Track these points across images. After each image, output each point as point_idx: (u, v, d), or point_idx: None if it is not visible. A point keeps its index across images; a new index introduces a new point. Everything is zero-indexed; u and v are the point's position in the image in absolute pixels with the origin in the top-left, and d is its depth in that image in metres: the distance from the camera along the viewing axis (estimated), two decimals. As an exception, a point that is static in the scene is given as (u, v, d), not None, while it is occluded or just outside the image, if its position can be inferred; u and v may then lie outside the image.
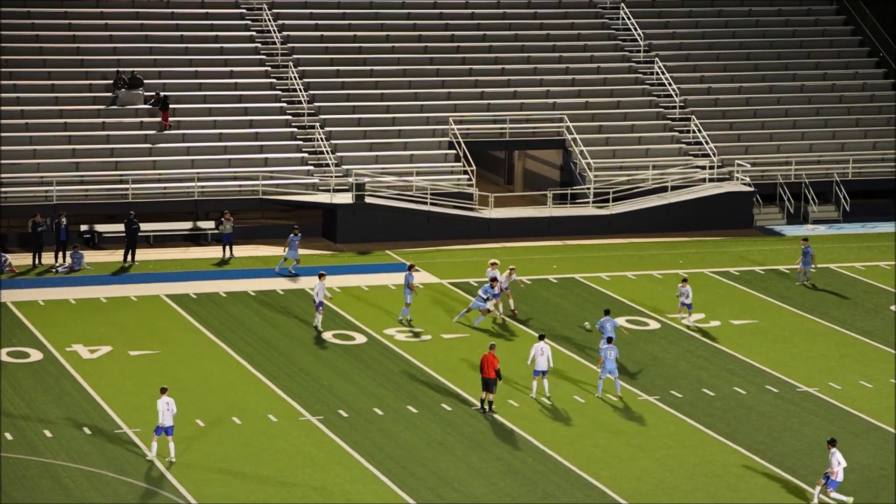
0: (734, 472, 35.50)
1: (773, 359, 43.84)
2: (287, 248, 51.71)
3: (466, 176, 59.89)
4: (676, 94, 65.05)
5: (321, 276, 45.49)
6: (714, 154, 62.26)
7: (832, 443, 33.67)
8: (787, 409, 39.75)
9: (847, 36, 70.31)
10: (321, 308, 45.32)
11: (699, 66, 67.28)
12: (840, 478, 33.31)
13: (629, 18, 68.16)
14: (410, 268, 46.52)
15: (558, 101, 63.86)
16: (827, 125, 65.34)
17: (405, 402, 39.76)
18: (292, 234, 51.80)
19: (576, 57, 66.51)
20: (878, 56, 69.04)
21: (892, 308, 49.12)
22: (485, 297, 46.03)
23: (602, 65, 66.31)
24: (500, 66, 65.18)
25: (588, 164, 60.93)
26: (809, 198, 61.80)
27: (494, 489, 34.22)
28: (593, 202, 60.21)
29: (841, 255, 56.26)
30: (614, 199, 60.04)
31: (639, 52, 67.18)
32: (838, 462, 33.25)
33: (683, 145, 63.10)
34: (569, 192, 60.77)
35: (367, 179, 58.02)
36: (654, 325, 47.09)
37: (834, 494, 33.56)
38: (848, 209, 61.99)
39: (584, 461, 35.86)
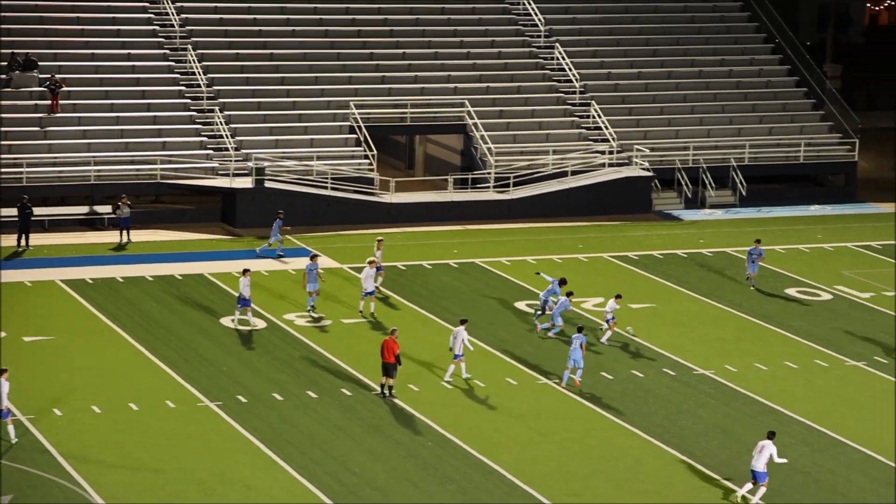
0: (632, 454, 35.75)
1: (671, 342, 44.20)
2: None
3: (367, 160, 59.74)
4: (577, 80, 65.32)
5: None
6: (613, 139, 62.63)
7: (770, 435, 33.35)
8: (685, 392, 40.10)
9: (744, 23, 71.01)
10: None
11: (599, 52, 67.62)
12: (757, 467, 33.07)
13: (530, 4, 68.32)
14: (313, 258, 46.09)
15: (459, 85, 63.87)
16: (724, 111, 65.96)
17: (305, 387, 39.60)
18: (277, 219, 52.07)
19: (477, 42, 66.56)
20: (775, 43, 69.79)
21: (787, 291, 49.72)
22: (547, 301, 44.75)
23: (503, 50, 66.43)
24: (401, 51, 65.07)
25: (489, 148, 61.02)
26: (707, 182, 62.36)
27: (394, 473, 34.20)
28: (494, 187, 60.32)
29: (737, 239, 56.84)
30: (515, 184, 60.19)
31: (539, 37, 67.38)
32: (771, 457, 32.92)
33: (583, 130, 63.40)
34: (469, 176, 60.84)
35: (266, 164, 57.67)
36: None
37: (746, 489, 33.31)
38: (744, 194, 62.64)
39: (484, 445, 35.93)
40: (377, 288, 47.35)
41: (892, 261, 54.01)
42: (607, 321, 43.85)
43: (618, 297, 44.34)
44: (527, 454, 35.58)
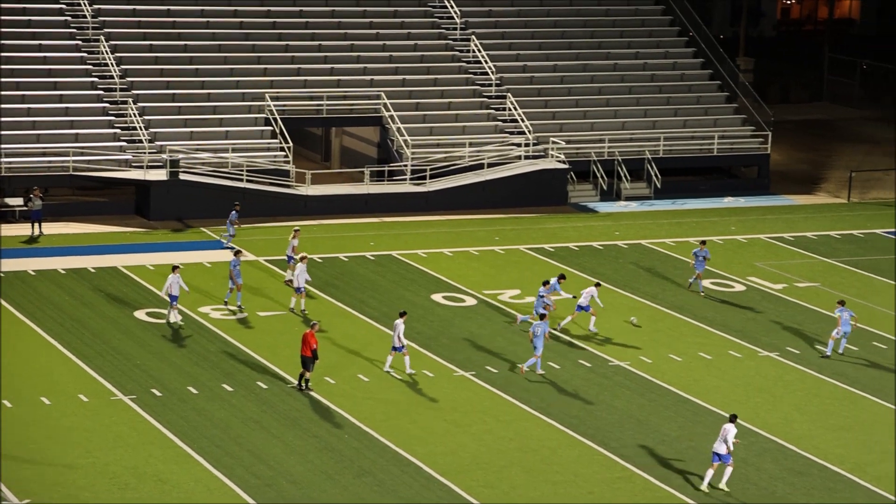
0: (548, 445, 35.87)
1: (587, 334, 44.35)
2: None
3: (283, 153, 59.48)
4: (493, 73, 65.42)
5: (175, 269, 43.92)
6: (529, 132, 62.79)
7: (732, 418, 33.62)
8: (600, 384, 40.29)
9: (658, 16, 71.43)
10: (174, 303, 43.57)
11: (515, 45, 67.75)
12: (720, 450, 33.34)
13: (445, -4, 68.39)
14: (237, 253, 45.64)
15: (375, 77, 63.75)
16: (639, 104, 66.33)
17: (220, 380, 39.37)
18: (234, 211, 51.98)
19: (393, 34, 66.46)
20: (689, 36, 70.27)
21: (702, 283, 50.09)
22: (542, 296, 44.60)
23: (419, 42, 66.38)
24: (316, 43, 64.83)
25: (405, 141, 60.97)
26: (622, 175, 62.71)
27: (311, 467, 34.09)
28: (410, 179, 60.28)
29: (652, 231, 57.20)
30: (431, 177, 60.18)
31: (455, 30, 67.39)
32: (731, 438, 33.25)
33: (500, 123, 63.51)
34: (386, 169, 60.76)
35: (181, 156, 57.26)
36: (470, 301, 47.35)
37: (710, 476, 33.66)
38: (659, 186, 63.04)
39: (400, 437, 35.91)
40: (291, 280, 47.33)
41: (805, 252, 54.58)
42: (584, 308, 43.97)
43: (598, 284, 44.55)
44: (443, 446, 35.60)
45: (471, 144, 61.73)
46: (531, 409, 38.23)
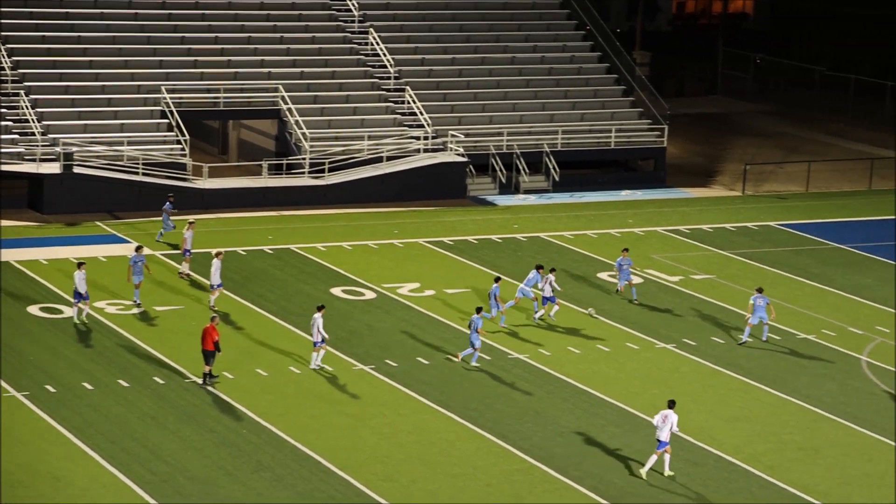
0: (447, 438, 35.90)
1: (486, 326, 44.43)
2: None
3: (180, 146, 58.98)
4: (391, 66, 65.33)
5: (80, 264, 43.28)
6: (428, 125, 62.80)
7: (671, 404, 34.16)
8: (499, 376, 40.39)
9: (556, 9, 71.73)
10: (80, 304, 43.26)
11: (413, 38, 67.72)
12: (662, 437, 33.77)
13: (343, -12, 68.17)
14: (138, 249, 45.04)
15: (273, 70, 63.41)
16: (537, 97, 66.58)
17: (116, 375, 38.95)
18: (167, 202, 51.65)
19: (291, 26, 66.13)
20: (586, 30, 70.64)
21: (599, 275, 50.40)
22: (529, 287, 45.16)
23: (317, 35, 66.12)
24: (213, 35, 64.35)
25: (303, 134, 60.71)
26: (521, 168, 62.91)
27: (208, 462, 33.83)
28: (309, 172, 60.05)
29: (550, 224, 57.46)
30: (330, 170, 59.99)
31: (353, 23, 67.21)
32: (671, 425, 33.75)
33: (398, 116, 63.44)
34: (284, 162, 60.47)
35: (75, 149, 56.56)
36: (369, 294, 47.27)
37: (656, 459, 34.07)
38: (557, 179, 63.32)
39: (298, 432, 35.76)
40: (187, 274, 47.08)
41: (701, 244, 55.10)
42: (550, 299, 44.56)
43: (552, 269, 44.85)
44: (342, 440, 35.50)
45: (369, 137, 61.62)
46: (430, 402, 38.23)
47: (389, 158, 61.09)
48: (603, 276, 50.11)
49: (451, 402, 38.28)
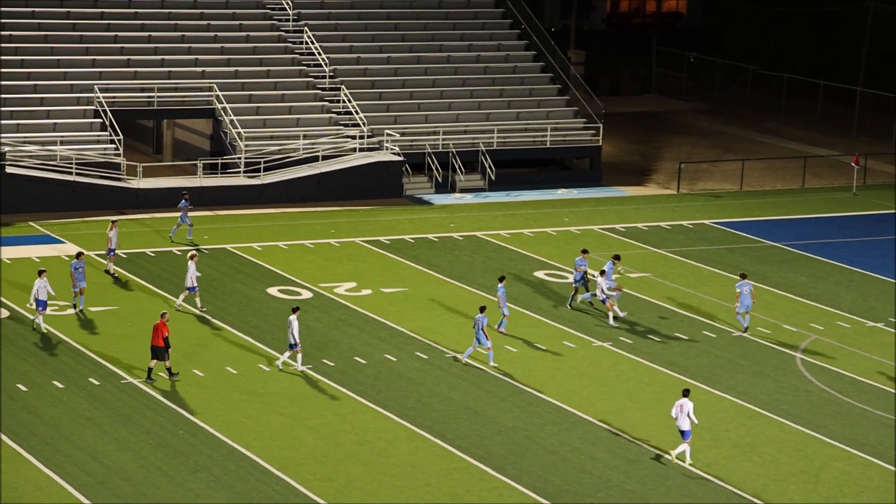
0: (385, 438, 35.86)
1: (423, 325, 44.49)
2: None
3: (113, 145, 58.57)
4: (326, 65, 65.18)
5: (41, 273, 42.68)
6: (364, 124, 62.70)
7: (685, 393, 35.07)
8: (437, 375, 40.40)
9: (491, 9, 71.83)
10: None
11: (348, 37, 67.60)
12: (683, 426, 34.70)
13: (278, -13, 67.96)
14: (79, 256, 44.57)
15: (207, 69, 63.10)
16: (473, 96, 66.63)
17: (51, 377, 38.62)
18: (183, 200, 51.52)
19: (225, 25, 65.84)
20: (521, 29, 70.79)
21: (536, 273, 50.52)
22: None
23: (251, 33, 65.86)
24: (147, 34, 63.95)
25: (238, 133, 60.46)
26: (457, 167, 62.95)
27: (144, 463, 33.62)
28: (244, 172, 59.81)
29: (486, 223, 57.53)
30: (265, 169, 59.77)
31: (288, 21, 67.00)
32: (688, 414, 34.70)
33: (334, 115, 63.31)
34: (219, 161, 60.18)
35: (7, 149, 56.04)
36: (306, 294, 47.15)
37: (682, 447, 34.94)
38: (493, 178, 63.41)
39: (235, 432, 35.61)
40: (111, 271, 47.03)
41: (636, 243, 55.35)
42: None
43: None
44: (279, 440, 35.38)
45: (305, 137, 61.45)
46: (368, 401, 38.18)
47: (325, 158, 60.95)
48: (539, 274, 50.22)
49: (388, 401, 38.24)
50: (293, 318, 39.76)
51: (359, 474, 33.72)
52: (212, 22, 65.70)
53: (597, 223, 58.19)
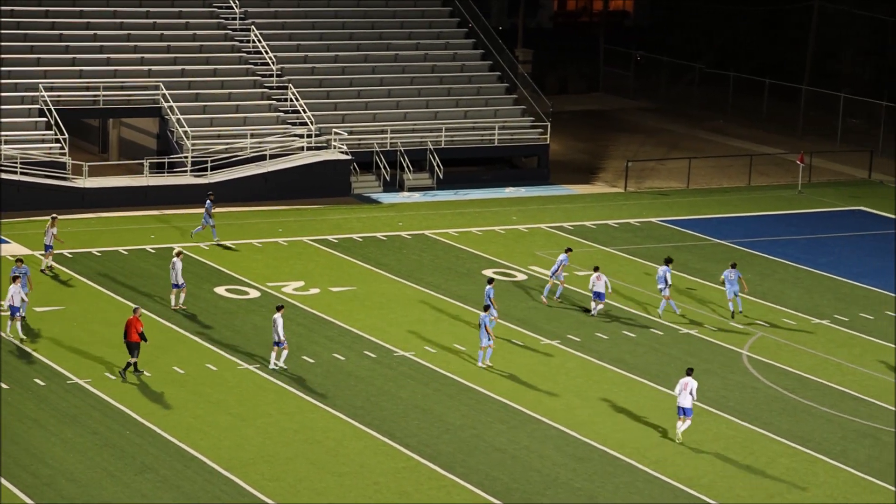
0: (333, 437, 35.79)
1: (371, 324, 44.43)
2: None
3: (59, 144, 58.18)
4: (273, 63, 64.99)
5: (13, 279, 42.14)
6: (312, 123, 62.56)
7: (689, 372, 36.33)
8: (385, 374, 40.35)
9: (438, 7, 71.83)
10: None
11: (295, 35, 67.42)
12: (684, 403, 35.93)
13: (225, -15, 67.69)
14: (18, 262, 44.09)
15: (154, 68, 62.79)
16: (421, 94, 66.61)
17: (-5, 378, 38.36)
18: (208, 200, 51.63)
19: (171, 24, 65.54)
20: (468, 27, 70.82)
21: (484, 272, 50.56)
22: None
23: (198, 32, 65.58)
24: (91, 32, 63.57)
25: (185, 132, 60.18)
26: (405, 166, 62.91)
27: (91, 464, 33.40)
28: (191, 171, 59.54)
29: (435, 221, 57.53)
30: (212, 168, 59.53)
31: (235, 20, 66.76)
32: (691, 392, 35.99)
33: (281, 114, 63.13)
34: (166, 160, 59.89)
35: (-48, 148, 55.61)
36: (254, 293, 46.99)
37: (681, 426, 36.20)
38: (441, 177, 63.42)
39: (182, 432, 35.44)
40: (49, 267, 46.80)
41: (584, 241, 55.48)
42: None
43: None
44: (227, 440, 35.24)
45: (252, 136, 61.25)
46: (316, 400, 38.09)
47: (273, 156, 60.76)
48: (487, 272, 50.24)
49: (337, 400, 38.17)
50: (278, 316, 39.77)
51: (307, 474, 33.64)
52: (158, 20, 65.37)
53: (545, 221, 58.30)
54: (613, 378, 40.91)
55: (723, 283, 46.65)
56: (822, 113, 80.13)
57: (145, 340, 38.90)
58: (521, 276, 49.73)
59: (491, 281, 44.28)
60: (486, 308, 41.44)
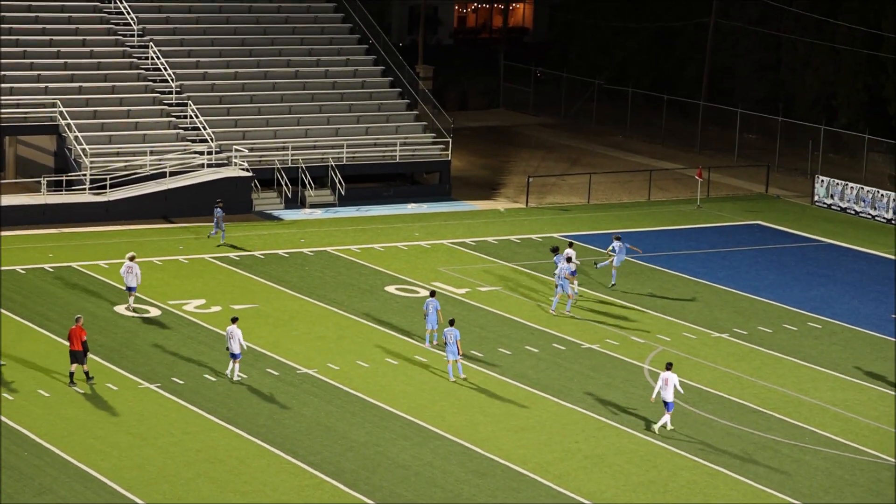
0: (236, 455, 35.57)
1: (274, 342, 44.24)
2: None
3: (-46, 162, 57.44)
4: (172, 80, 64.59)
5: None
6: (212, 139, 62.23)
7: (669, 366, 37.98)
8: (288, 392, 40.19)
9: (338, 24, 71.81)
10: None
11: (194, 52, 67.07)
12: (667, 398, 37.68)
13: (121, 2, 67.13)
14: None
15: (50, 85, 62.15)
16: (322, 111, 66.53)
17: None
18: (217, 208, 52.58)
19: (68, 41, 64.93)
20: (368, 44, 70.85)
21: (387, 288, 50.53)
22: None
23: (95, 49, 65.03)
24: (-12, 49, 62.85)
25: (83, 149, 59.60)
26: (306, 182, 62.76)
27: (-11, 487, 32.95)
28: (90, 189, 58.97)
29: (337, 238, 57.44)
30: (111, 186, 59.01)
31: (133, 36, 66.27)
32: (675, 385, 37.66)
33: (181, 131, 62.74)
34: (64, 178, 59.27)
35: None
36: (154, 311, 46.61)
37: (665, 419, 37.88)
38: (343, 193, 63.34)
39: (82, 453, 35.05)
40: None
41: (486, 256, 55.65)
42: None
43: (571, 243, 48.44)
44: (127, 460, 34.91)
45: (152, 153, 60.80)
46: (218, 419, 37.84)
47: (173, 174, 60.34)
48: (390, 289, 50.23)
49: (239, 418, 37.94)
50: (233, 328, 39.59)
51: (210, 493, 33.39)
52: (54, 37, 64.73)
53: (447, 237, 58.42)
54: (516, 393, 41.04)
55: (610, 252, 49.37)
56: (719, 128, 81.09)
57: (87, 350, 39.17)
58: (423, 293, 49.75)
59: (433, 293, 44.43)
60: (452, 322, 41.51)
